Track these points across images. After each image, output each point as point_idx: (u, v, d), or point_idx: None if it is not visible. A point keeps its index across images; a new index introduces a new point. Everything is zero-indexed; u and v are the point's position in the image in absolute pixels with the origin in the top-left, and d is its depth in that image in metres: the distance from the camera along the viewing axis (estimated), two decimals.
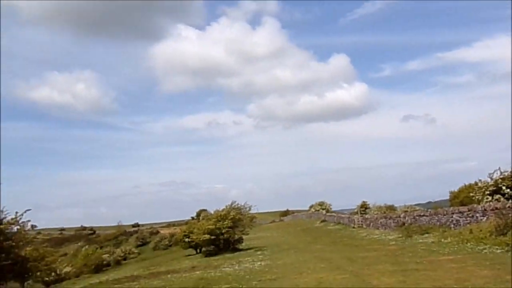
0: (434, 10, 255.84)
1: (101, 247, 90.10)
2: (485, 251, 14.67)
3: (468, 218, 22.49)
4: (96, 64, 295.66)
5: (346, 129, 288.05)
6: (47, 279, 40.35)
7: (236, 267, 19.53)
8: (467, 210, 22.80)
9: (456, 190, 44.65)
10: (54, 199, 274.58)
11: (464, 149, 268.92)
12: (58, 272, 40.66)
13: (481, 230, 17.81)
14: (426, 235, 23.90)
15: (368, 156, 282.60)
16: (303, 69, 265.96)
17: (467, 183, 40.82)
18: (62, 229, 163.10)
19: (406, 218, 31.22)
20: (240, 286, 13.11)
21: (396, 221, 32.72)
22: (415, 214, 30.57)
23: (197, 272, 19.22)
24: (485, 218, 20.81)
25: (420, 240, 21.93)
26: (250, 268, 18.38)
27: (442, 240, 19.80)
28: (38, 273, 25.63)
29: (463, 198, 38.00)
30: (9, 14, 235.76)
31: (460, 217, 23.43)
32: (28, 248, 22.29)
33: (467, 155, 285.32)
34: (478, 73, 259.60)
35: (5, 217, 20.36)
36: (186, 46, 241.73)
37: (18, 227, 20.87)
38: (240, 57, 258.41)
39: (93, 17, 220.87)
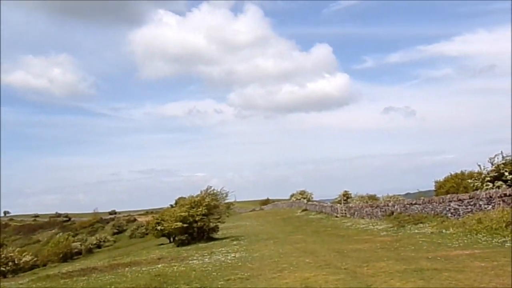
0: (416, 3, 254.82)
1: (75, 235, 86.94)
2: (507, 244, 12.09)
3: (469, 207, 20.01)
4: (74, 48, 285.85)
5: (327, 120, 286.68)
6: (3, 269, 37.37)
7: (206, 260, 16.76)
8: (468, 197, 20.30)
9: (441, 180, 43.22)
10: (30, 185, 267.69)
11: (443, 141, 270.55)
12: (16, 261, 37.60)
13: (491, 220, 15.25)
14: (421, 225, 21.49)
15: (349, 147, 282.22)
16: (285, 58, 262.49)
17: (452, 173, 39.59)
18: (36, 216, 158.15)
19: (395, 207, 28.88)
20: None
21: (383, 210, 30.39)
22: (405, 203, 28.28)
23: (159, 266, 16.33)
24: (490, 206, 18.35)
25: (416, 231, 19.43)
26: (221, 261, 15.57)
27: (443, 230, 17.29)
28: None
29: (449, 187, 36.42)
30: None
31: (459, 205, 20.94)
32: None
33: (445, 148, 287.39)
34: (457, 67, 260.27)
35: None
36: (166, 32, 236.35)
37: None
38: (221, 44, 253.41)
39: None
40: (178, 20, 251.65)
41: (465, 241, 13.83)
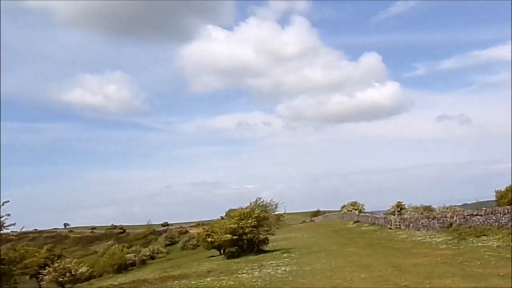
0: (469, 8, 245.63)
1: (130, 246, 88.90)
2: None
3: None
4: (127, 66, 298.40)
5: (378, 130, 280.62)
6: (61, 279, 38.54)
7: (256, 273, 16.30)
8: None
9: (503, 190, 41.00)
10: (88, 198, 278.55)
11: (501, 150, 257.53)
12: (73, 272, 38.68)
13: None
14: (484, 237, 20.03)
15: (401, 156, 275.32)
16: (334, 68, 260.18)
17: None
18: (93, 228, 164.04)
19: (454, 218, 27.20)
20: None
21: (441, 221, 28.74)
22: (465, 214, 26.59)
23: (208, 279, 16.05)
24: None
25: (479, 244, 18.07)
26: (271, 275, 15.06)
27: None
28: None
29: None
30: (43, 15, 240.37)
31: None
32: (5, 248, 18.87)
33: (504, 156, 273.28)
34: None
35: None
36: (215, 46, 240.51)
37: None
38: (269, 57, 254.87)
39: (123, 19, 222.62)
40: (227, 35, 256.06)
41: None
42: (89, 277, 47.26)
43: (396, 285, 9.98)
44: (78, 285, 40.25)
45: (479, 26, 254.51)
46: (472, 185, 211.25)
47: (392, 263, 14.35)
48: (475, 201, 52.58)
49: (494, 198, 42.22)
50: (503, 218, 21.37)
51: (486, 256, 13.85)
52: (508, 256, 13.26)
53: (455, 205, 42.81)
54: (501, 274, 10.13)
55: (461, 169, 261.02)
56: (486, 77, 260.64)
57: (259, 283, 13.10)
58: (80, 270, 40.20)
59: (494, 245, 16.88)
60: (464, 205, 52.58)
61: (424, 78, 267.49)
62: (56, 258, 47.73)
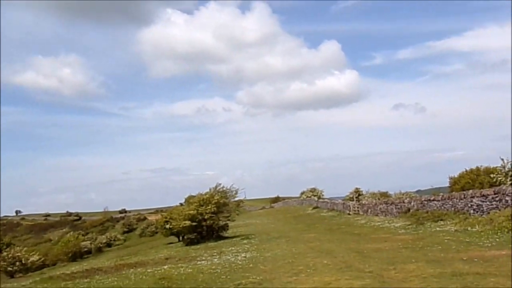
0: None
1: (86, 234, 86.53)
2: None
3: (494, 203, 18.78)
4: (82, 48, 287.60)
5: (336, 117, 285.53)
6: (10, 269, 36.82)
7: (215, 260, 15.80)
8: (492, 193, 19.07)
9: (456, 176, 42.20)
10: (43, 185, 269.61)
11: (453, 138, 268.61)
12: (23, 261, 37.00)
13: None
14: (441, 222, 20.36)
15: (358, 144, 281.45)
16: (293, 56, 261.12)
17: (468, 169, 38.78)
18: (47, 215, 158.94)
19: (412, 203, 27.63)
20: None
21: (399, 207, 29.20)
22: (423, 199, 27.04)
23: (165, 267, 15.39)
24: None
25: (438, 228, 18.27)
26: (231, 262, 14.59)
27: (469, 228, 16.11)
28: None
29: (465, 183, 35.48)
30: None
31: (482, 201, 19.70)
32: None
33: (456, 145, 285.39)
34: (468, 62, 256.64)
35: None
36: (175, 31, 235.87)
37: None
38: (230, 42, 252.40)
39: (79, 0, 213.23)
40: (186, 19, 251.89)
41: (497, 240, 12.63)
42: (42, 266, 45.54)
43: (360, 271, 9.67)
44: (29, 274, 38.54)
45: (434, 18, 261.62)
46: (426, 172, 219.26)
47: (354, 249, 14.17)
48: (429, 187, 54.17)
49: (447, 184, 43.36)
50: (459, 203, 21.75)
51: (446, 240, 13.87)
52: (467, 240, 13.32)
53: (410, 191, 43.79)
54: (464, 258, 9.99)
55: (415, 156, 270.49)
56: (440, 67, 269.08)
57: (219, 270, 12.58)
58: (31, 259, 38.54)
59: (452, 229, 17.07)
60: (418, 191, 54.03)
61: (381, 67, 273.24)
62: (5, 247, 45.59)
